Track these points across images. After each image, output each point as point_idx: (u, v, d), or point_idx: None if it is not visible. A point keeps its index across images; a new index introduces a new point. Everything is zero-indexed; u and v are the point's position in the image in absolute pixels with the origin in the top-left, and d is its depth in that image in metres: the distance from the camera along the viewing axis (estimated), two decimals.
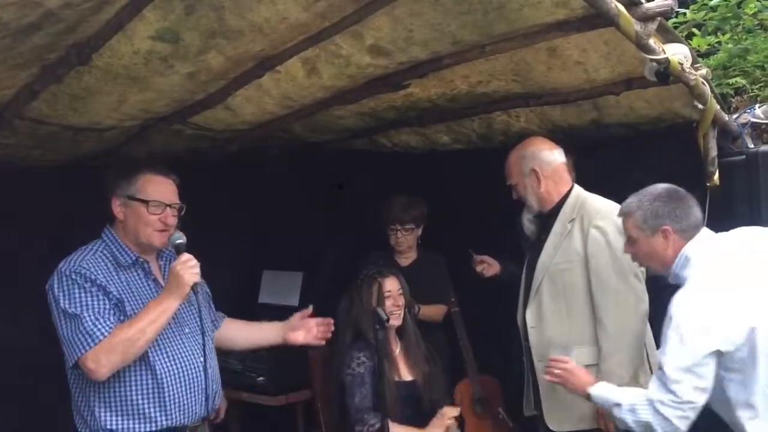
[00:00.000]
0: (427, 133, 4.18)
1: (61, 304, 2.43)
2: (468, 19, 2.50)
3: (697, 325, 2.37)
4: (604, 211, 3.03)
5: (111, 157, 3.42)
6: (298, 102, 3.27)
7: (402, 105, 3.59)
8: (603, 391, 2.63)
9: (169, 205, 2.61)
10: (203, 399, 2.61)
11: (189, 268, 2.48)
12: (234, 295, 4.28)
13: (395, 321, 3.45)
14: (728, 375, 2.41)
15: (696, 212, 2.60)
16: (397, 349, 3.51)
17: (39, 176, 3.44)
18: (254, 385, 4.10)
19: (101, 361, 2.38)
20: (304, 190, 4.75)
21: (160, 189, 2.61)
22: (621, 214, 2.72)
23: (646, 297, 2.95)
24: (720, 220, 3.34)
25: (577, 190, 3.20)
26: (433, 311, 4.00)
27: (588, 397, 2.67)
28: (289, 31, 2.42)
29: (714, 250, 2.55)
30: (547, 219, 3.20)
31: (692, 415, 2.40)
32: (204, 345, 2.60)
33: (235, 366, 4.17)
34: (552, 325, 3.07)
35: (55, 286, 2.47)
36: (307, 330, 2.99)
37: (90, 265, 2.50)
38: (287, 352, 4.03)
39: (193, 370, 2.59)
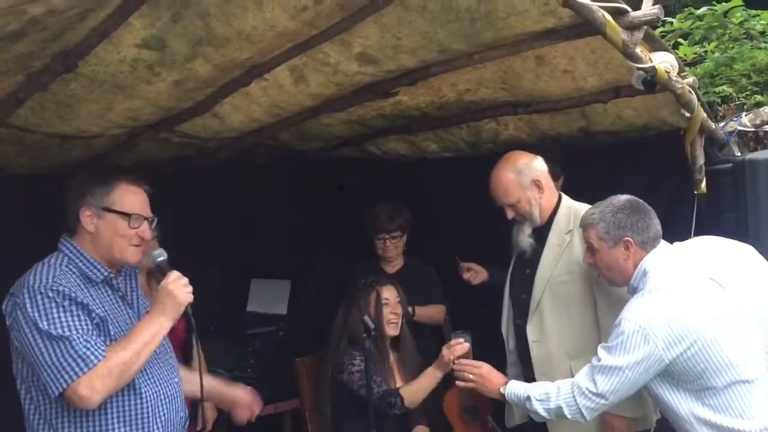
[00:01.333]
0: (416, 140, 4.18)
1: (42, 326, 2.15)
2: (455, 27, 2.50)
3: (640, 333, 2.43)
4: None
5: (97, 166, 3.40)
6: (286, 110, 3.26)
7: (390, 113, 3.59)
8: (514, 388, 2.71)
9: (146, 219, 2.41)
10: (181, 422, 2.50)
11: (182, 287, 2.32)
12: (222, 303, 4.27)
13: (392, 331, 3.46)
14: (672, 383, 2.49)
15: (656, 224, 2.66)
16: (391, 358, 3.51)
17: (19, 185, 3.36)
18: None
19: (96, 387, 2.14)
20: (293, 198, 4.74)
21: (138, 201, 2.41)
22: (583, 224, 2.74)
23: None
24: (707, 228, 3.36)
25: (566, 199, 3.19)
26: (432, 311, 3.98)
27: (502, 396, 2.73)
28: (276, 39, 2.42)
29: (670, 261, 2.62)
30: (541, 231, 3.16)
31: (600, 409, 2.55)
32: (174, 365, 2.51)
33: (223, 375, 4.15)
34: (555, 339, 3.04)
35: (28, 304, 2.18)
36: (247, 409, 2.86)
37: (64, 281, 2.24)
38: (274, 361, 4.04)
39: (173, 392, 2.45)
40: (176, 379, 2.48)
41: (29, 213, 3.37)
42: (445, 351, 3.10)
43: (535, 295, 3.10)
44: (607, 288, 2.91)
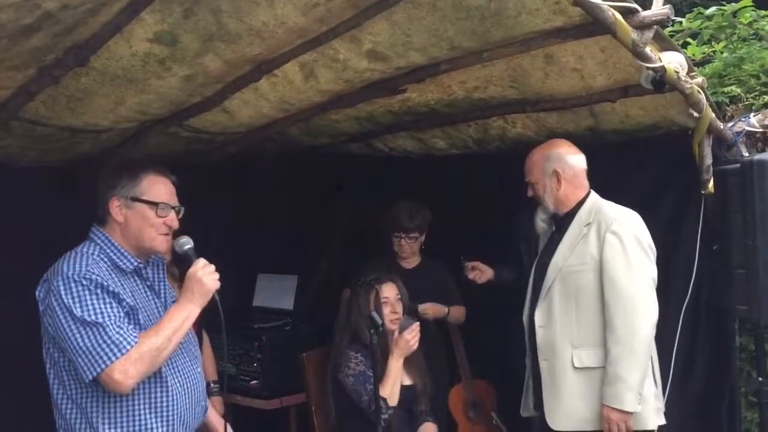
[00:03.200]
0: (424, 137, 4.18)
1: (77, 312, 2.22)
2: (466, 25, 2.51)
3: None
4: (621, 218, 3.05)
5: (106, 159, 3.41)
6: (295, 106, 3.27)
7: (399, 110, 3.60)
8: None
9: (173, 208, 2.47)
10: (201, 411, 2.56)
11: (210, 274, 2.38)
12: (228, 298, 4.28)
13: (395, 327, 3.46)
14: None
15: None
16: None
17: (33, 177, 3.39)
18: (248, 389, 4.10)
19: (129, 371, 2.21)
20: (300, 193, 4.75)
21: (166, 190, 2.46)
22: None
23: (656, 306, 2.94)
24: (715, 227, 3.37)
25: (594, 196, 3.21)
26: (459, 312, 4.00)
27: None
28: (287, 35, 2.42)
29: None
30: (561, 221, 3.21)
31: None
32: (197, 356, 2.55)
33: (229, 369, 4.16)
34: (560, 326, 3.07)
35: (62, 291, 2.24)
36: None
37: (97, 270, 2.30)
38: (280, 355, 4.05)
39: (195, 382, 2.50)
40: (199, 370, 2.54)
41: (40, 205, 3.41)
42: (405, 337, 3.28)
43: (547, 281, 3.14)
44: (617, 283, 2.94)
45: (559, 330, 3.07)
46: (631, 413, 2.88)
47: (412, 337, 3.29)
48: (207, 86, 2.77)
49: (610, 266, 2.97)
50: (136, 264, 2.43)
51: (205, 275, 2.37)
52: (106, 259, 2.37)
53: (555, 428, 3.05)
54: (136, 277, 2.46)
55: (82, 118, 2.77)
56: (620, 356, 2.89)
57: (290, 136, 4.04)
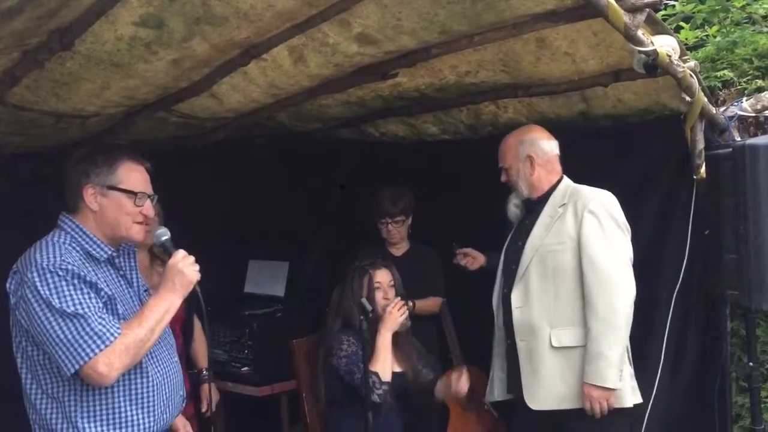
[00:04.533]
0: (415, 123, 4.16)
1: (55, 304, 2.15)
2: (457, 8, 2.48)
3: None
4: (598, 197, 3.09)
5: (94, 144, 3.38)
6: (285, 90, 3.24)
7: (389, 95, 3.57)
8: None
9: (149, 196, 2.43)
10: (180, 400, 2.54)
11: (190, 265, 2.35)
12: (219, 284, 4.27)
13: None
14: None
15: None
16: None
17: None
18: (239, 376, 4.09)
19: (114, 364, 2.17)
20: (291, 179, 4.72)
21: (142, 179, 2.42)
22: None
23: (634, 284, 2.98)
24: (705, 213, 3.36)
25: (567, 180, 3.25)
26: (429, 304, 3.99)
27: None
28: (275, 18, 2.39)
29: None
30: (534, 205, 3.25)
31: None
32: (173, 344, 2.54)
33: (220, 356, 4.16)
34: (538, 306, 3.10)
35: (38, 283, 2.17)
36: None
37: (70, 259, 2.24)
38: (271, 342, 4.04)
39: (175, 371, 2.49)
40: (176, 359, 2.52)
41: (26, 192, 3.37)
42: (389, 310, 3.34)
43: (523, 262, 3.17)
44: (596, 261, 2.98)
45: (537, 310, 3.10)
46: (612, 390, 2.92)
47: (396, 308, 3.32)
48: (195, 70, 2.74)
49: (588, 245, 3.00)
50: (109, 253, 2.38)
51: (186, 266, 2.34)
52: (78, 248, 2.31)
53: (534, 408, 3.09)
54: (109, 266, 2.41)
55: (68, 103, 2.73)
56: (601, 333, 2.92)
57: (280, 122, 4.00)
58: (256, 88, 3.11)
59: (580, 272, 3.02)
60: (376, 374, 3.22)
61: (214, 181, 4.36)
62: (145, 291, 2.53)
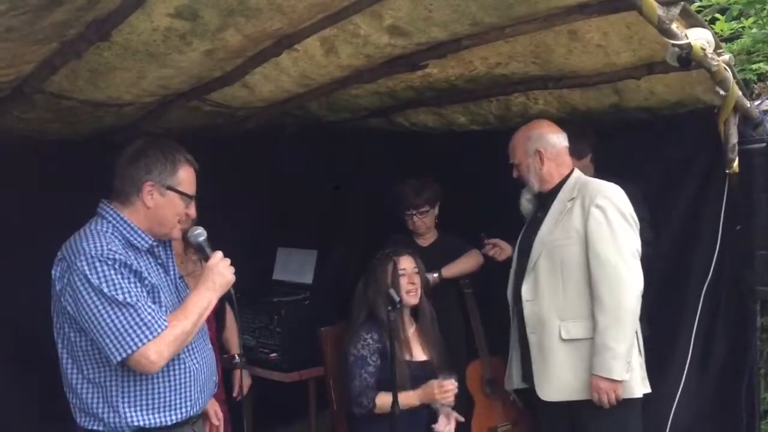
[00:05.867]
0: (445, 113, 4.16)
1: (106, 291, 2.21)
2: (488, 0, 2.47)
3: None
4: (605, 191, 3.10)
5: (129, 132, 3.44)
6: (316, 81, 3.26)
7: (420, 85, 3.58)
8: None
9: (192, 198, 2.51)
10: (213, 385, 2.63)
11: (228, 267, 2.46)
12: (248, 271, 4.31)
13: (412, 299, 3.48)
14: None
15: None
16: (411, 329, 3.54)
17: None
18: (267, 362, 4.15)
19: (163, 353, 2.25)
20: (321, 168, 4.75)
21: (194, 181, 2.50)
22: None
23: (641, 277, 2.99)
24: (738, 207, 3.33)
25: (577, 173, 3.28)
26: (471, 262, 3.99)
27: None
28: (308, 9, 2.41)
29: None
30: (545, 198, 3.28)
31: None
32: (206, 332, 2.61)
33: (249, 341, 4.22)
34: (547, 299, 3.14)
35: (87, 271, 2.22)
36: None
37: (115, 248, 2.29)
38: (299, 329, 4.09)
39: (209, 359, 2.57)
40: (209, 346, 2.61)
41: (66, 177, 3.45)
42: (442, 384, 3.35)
43: (533, 255, 3.20)
44: (602, 254, 2.99)
45: (546, 303, 3.13)
46: (620, 382, 2.95)
47: (447, 389, 3.35)
48: (227, 61, 2.77)
49: (594, 238, 3.03)
50: (151, 242, 2.44)
51: (225, 268, 2.45)
52: (120, 237, 2.36)
53: (545, 399, 3.14)
54: (149, 255, 2.46)
55: (105, 92, 2.78)
56: (607, 326, 2.95)
57: (311, 111, 4.03)
58: (287, 78, 3.13)
59: (587, 266, 3.04)
60: (374, 402, 3.28)
61: (243, 169, 4.40)
62: (180, 279, 2.61)
